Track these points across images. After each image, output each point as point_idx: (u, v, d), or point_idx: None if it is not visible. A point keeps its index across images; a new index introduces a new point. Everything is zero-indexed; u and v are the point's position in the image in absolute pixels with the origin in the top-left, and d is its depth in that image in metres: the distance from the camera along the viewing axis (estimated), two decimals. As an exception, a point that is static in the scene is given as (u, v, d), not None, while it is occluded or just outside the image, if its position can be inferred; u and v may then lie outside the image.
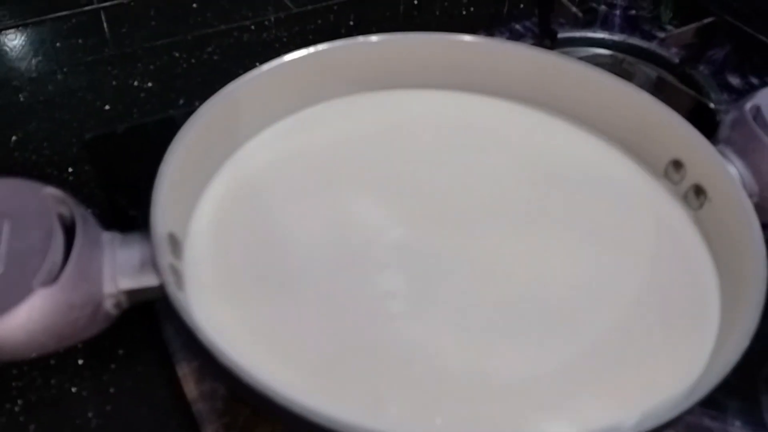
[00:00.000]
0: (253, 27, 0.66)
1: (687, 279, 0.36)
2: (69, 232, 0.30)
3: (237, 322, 0.33)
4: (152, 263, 0.30)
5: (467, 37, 0.43)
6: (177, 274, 0.32)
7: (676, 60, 0.60)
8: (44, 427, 0.38)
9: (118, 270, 0.30)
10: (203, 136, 0.37)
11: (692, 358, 0.32)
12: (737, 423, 0.36)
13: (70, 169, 0.52)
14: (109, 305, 0.30)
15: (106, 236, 0.31)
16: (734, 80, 0.57)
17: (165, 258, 0.30)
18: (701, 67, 0.59)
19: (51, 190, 0.30)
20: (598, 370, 0.32)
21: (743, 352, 0.29)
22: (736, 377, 0.29)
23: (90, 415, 0.39)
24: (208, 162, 0.39)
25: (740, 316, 0.32)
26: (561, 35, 0.61)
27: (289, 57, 0.40)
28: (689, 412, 0.28)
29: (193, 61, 0.62)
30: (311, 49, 0.41)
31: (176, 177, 0.34)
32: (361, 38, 0.42)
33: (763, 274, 0.32)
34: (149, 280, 0.30)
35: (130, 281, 0.30)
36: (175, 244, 0.33)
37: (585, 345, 0.33)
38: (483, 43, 0.43)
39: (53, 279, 0.28)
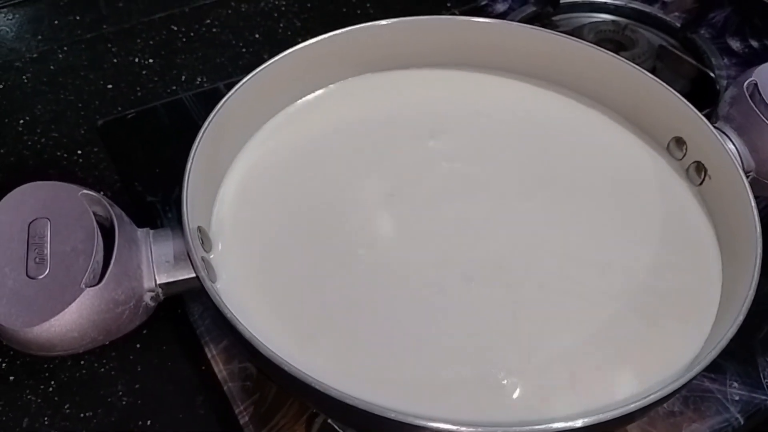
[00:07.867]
0: (250, -5, 0.66)
1: (690, 252, 0.38)
2: (104, 230, 0.32)
3: (266, 308, 0.35)
4: (188, 258, 0.31)
5: (475, 19, 0.44)
6: (208, 265, 0.34)
7: (678, 24, 0.60)
8: (78, 406, 0.40)
9: (155, 266, 0.32)
10: (221, 129, 0.38)
11: (697, 325, 0.35)
12: (735, 384, 0.39)
13: (78, 152, 0.52)
14: (148, 299, 0.32)
15: (141, 233, 0.32)
16: (734, 44, 0.58)
17: (198, 252, 0.32)
18: (702, 31, 0.59)
19: (87, 192, 0.31)
20: (605, 345, 0.34)
21: (745, 314, 0.31)
22: (734, 341, 0.31)
23: (120, 393, 0.41)
24: (224, 154, 0.40)
25: (738, 287, 0.33)
26: (563, 0, 0.61)
27: (302, 44, 0.41)
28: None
29: (192, 34, 0.62)
30: (326, 36, 0.42)
31: (200, 173, 0.35)
32: (367, 24, 0.43)
33: (757, 247, 0.34)
34: (184, 273, 0.32)
35: (166, 275, 0.32)
36: (204, 237, 0.35)
37: (593, 318, 0.35)
38: (492, 25, 0.44)
39: (98, 278, 0.29)
